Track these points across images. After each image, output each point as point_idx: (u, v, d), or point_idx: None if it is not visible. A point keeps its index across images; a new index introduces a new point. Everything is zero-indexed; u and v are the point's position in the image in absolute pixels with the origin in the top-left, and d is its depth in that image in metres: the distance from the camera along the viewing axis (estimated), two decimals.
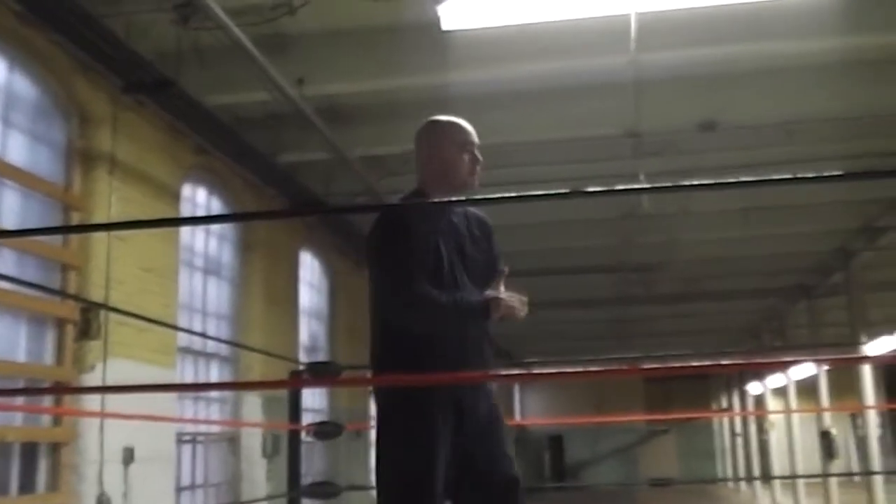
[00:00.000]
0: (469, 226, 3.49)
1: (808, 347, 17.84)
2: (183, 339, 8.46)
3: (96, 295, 6.86)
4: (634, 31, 6.84)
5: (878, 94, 8.28)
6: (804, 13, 6.89)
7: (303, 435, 9.16)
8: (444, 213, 3.46)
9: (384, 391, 3.40)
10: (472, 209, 3.59)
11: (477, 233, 3.50)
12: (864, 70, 8.11)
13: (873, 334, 17.10)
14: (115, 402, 6.78)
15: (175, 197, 8.23)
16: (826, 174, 2.46)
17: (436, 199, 3.47)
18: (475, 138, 3.51)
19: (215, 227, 9.60)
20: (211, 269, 9.47)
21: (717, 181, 5.56)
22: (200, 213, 9.16)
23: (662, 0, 6.59)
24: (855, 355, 14.89)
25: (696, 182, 7.48)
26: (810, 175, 2.40)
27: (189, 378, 8.70)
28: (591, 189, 3.02)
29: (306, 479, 10.26)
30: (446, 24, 6.79)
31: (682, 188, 3.90)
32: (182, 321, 8.54)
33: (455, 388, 3.33)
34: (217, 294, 9.60)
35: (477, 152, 3.50)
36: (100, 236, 6.97)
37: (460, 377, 3.31)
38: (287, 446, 9.32)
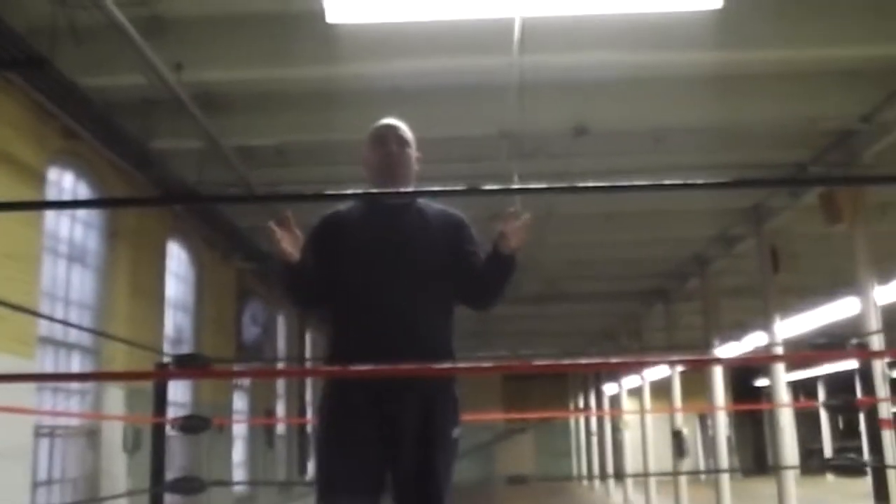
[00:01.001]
0: (421, 219, 3.48)
1: (664, 350, 18.53)
2: (44, 328, 8.15)
3: None
4: (518, 34, 6.95)
5: (742, 107, 8.66)
6: (678, 26, 7.13)
7: (167, 429, 8.97)
8: (375, 209, 3.52)
9: None
10: (440, 207, 3.60)
11: (433, 227, 3.48)
12: (730, 84, 8.47)
13: (725, 338, 17.88)
14: None
15: (40, 181, 7.91)
16: (687, 182, 2.58)
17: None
18: (385, 130, 3.60)
19: (81, 213, 9.27)
20: (75, 257, 9.14)
21: (586, 185, 5.69)
22: (66, 198, 8.82)
23: (547, 5, 6.72)
24: (706, 357, 15.50)
25: (564, 185, 7.72)
26: (674, 182, 2.51)
27: (49, 369, 8.37)
28: (460, 188, 3.08)
29: (168, 474, 10.04)
30: (331, 17, 6.73)
31: (552, 190, 3.97)
32: (43, 309, 8.22)
33: (371, 384, 3.19)
34: (81, 282, 9.27)
35: (386, 141, 3.55)
36: None
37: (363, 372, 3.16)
38: (151, 440, 9.12)
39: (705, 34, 7.24)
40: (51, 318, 8.13)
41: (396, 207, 3.52)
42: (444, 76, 8.29)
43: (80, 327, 8.84)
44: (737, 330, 19.84)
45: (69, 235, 9.02)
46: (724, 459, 16.28)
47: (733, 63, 8.10)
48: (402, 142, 3.57)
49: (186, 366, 8.04)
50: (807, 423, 33.76)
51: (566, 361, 9.96)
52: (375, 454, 3.19)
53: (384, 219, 3.46)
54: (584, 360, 13.71)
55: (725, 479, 15.72)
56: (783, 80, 8.45)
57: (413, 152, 3.62)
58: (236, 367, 13.63)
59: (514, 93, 7.96)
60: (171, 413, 10.15)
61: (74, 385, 9.08)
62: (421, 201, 3.58)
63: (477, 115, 8.73)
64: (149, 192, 9.64)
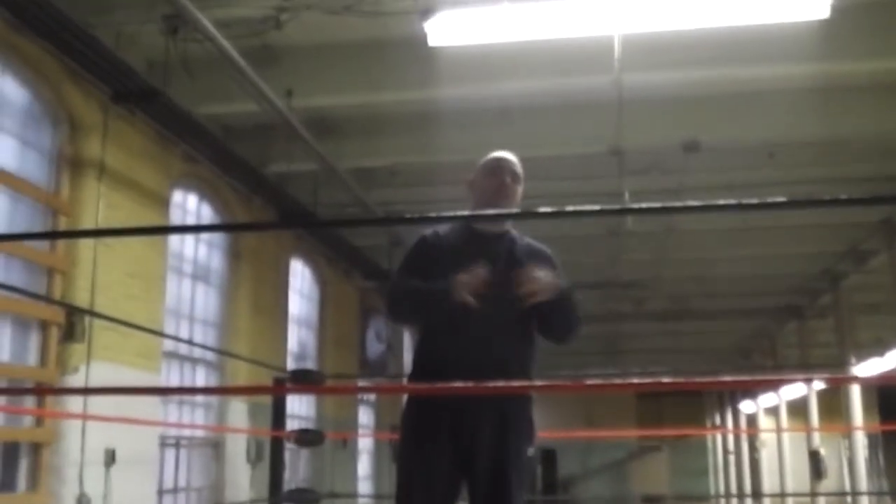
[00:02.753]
0: (511, 251, 3.56)
1: (799, 368, 17.94)
2: (168, 344, 8.55)
3: (81, 299, 6.96)
4: (618, 52, 6.95)
5: (857, 119, 8.42)
6: (786, 38, 7.01)
7: (286, 442, 9.30)
8: (472, 236, 3.60)
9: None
10: (529, 240, 3.68)
11: (522, 259, 3.50)
12: (843, 96, 8.24)
13: (862, 356, 17.19)
14: (97, 404, 6.88)
15: (164, 204, 8.34)
16: (805, 199, 2.57)
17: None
18: (502, 161, 3.65)
19: (205, 234, 9.71)
20: (199, 276, 9.58)
21: (701, 203, 5.64)
22: (191, 219, 9.26)
23: (646, 22, 6.70)
24: (843, 376, 14.96)
25: (679, 204, 7.66)
26: (792, 200, 2.47)
27: (174, 383, 8.79)
28: (576, 209, 3.07)
29: (289, 485, 10.38)
30: (433, 40, 6.89)
31: (667, 210, 4.00)
32: (169, 326, 8.64)
33: (453, 409, 3.35)
34: (205, 300, 9.70)
35: (501, 172, 3.62)
36: (87, 242, 7.07)
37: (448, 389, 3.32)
38: (270, 453, 9.48)
39: (813, 45, 7.08)
40: (172, 336, 8.53)
41: (491, 237, 3.61)
42: (549, 96, 8.37)
43: (200, 345, 9.23)
44: (876, 347, 19.03)
45: (193, 255, 9.46)
46: (863, 481, 15.64)
47: (844, 74, 7.89)
48: (515, 176, 3.65)
49: (302, 381, 8.34)
50: None
51: (691, 379, 9.81)
52: (452, 470, 3.35)
53: (478, 246, 3.53)
54: (708, 378, 13.39)
55: (866, 502, 15.11)
56: (894, 89, 8.16)
57: (520, 189, 3.68)
58: (360, 383, 13.91)
59: (618, 110, 7.95)
60: (295, 426, 10.55)
61: (199, 398, 9.49)
62: (513, 233, 3.67)
63: (583, 133, 8.75)
64: (268, 213, 10.03)
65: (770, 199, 2.51)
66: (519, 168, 3.67)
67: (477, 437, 3.33)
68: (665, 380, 7.08)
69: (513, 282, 3.36)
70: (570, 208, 3.40)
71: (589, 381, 3.35)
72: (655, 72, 7.59)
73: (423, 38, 6.83)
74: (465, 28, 6.79)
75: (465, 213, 3.75)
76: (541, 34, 6.84)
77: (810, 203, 8.07)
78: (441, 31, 6.78)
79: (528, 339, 3.54)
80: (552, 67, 7.50)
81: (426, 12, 6.61)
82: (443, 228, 3.69)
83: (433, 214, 3.42)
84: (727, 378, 14.64)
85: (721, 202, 4.17)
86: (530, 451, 3.44)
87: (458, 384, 3.22)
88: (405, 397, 3.63)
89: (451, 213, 3.63)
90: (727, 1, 6.42)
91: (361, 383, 14.23)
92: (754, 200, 2.59)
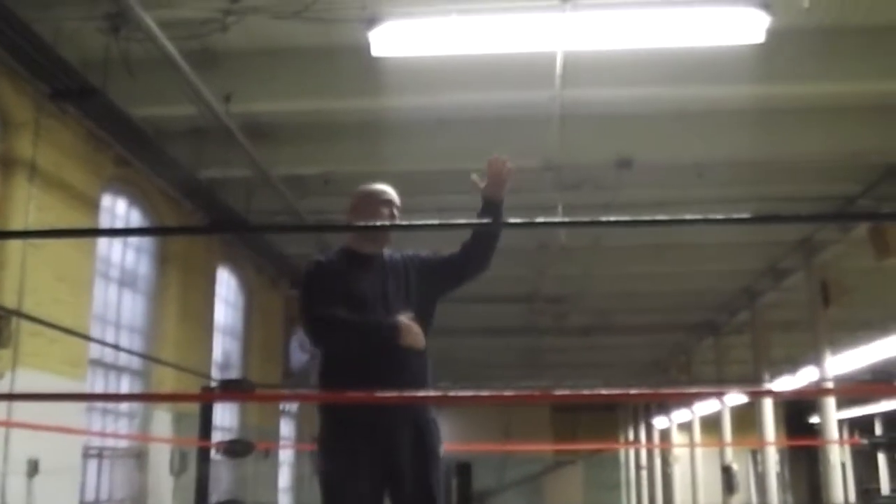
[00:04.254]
0: (388, 266, 3.86)
1: (714, 383, 18.33)
2: (95, 351, 8.35)
3: (9, 302, 6.74)
4: (560, 68, 7.04)
5: (785, 140, 8.66)
6: (722, 61, 7.19)
7: (212, 452, 9.12)
8: (357, 261, 3.86)
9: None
10: (402, 252, 3.98)
11: (402, 269, 3.87)
12: (774, 118, 8.48)
13: (775, 373, 17.65)
14: (21, 412, 6.65)
15: (94, 207, 8.14)
16: (733, 217, 2.63)
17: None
18: (384, 195, 3.95)
19: (133, 239, 9.51)
20: (126, 281, 9.37)
21: (633, 218, 5.72)
22: (119, 223, 9.06)
23: (588, 40, 6.79)
24: (756, 389, 15.33)
25: (613, 218, 7.76)
26: (718, 217, 2.54)
27: (99, 391, 8.57)
28: (513, 221, 3.24)
29: (213, 497, 10.19)
30: (376, 50, 6.89)
31: (600, 224, 4.09)
32: (95, 333, 8.42)
33: (368, 412, 3.60)
34: (132, 306, 9.49)
35: (377, 203, 3.91)
36: (15, 243, 6.86)
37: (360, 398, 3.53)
38: (196, 463, 9.28)
39: (748, 68, 7.28)
40: (101, 342, 8.33)
41: (369, 257, 3.87)
42: (488, 109, 8.41)
43: (129, 351, 9.04)
44: (788, 365, 19.57)
45: (121, 260, 9.24)
46: (773, 496, 16.03)
47: (776, 97, 8.11)
48: (396, 210, 3.93)
49: (233, 390, 8.21)
50: (863, 462, 32.99)
51: (606, 391, 9.94)
52: (375, 477, 3.58)
53: (359, 266, 3.82)
54: (623, 391, 13.59)
55: None
56: (826, 113, 8.44)
57: (398, 215, 3.96)
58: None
59: (556, 125, 8.04)
60: (218, 437, 10.35)
61: (123, 407, 9.27)
62: (387, 251, 3.94)
63: (520, 147, 8.77)
64: (198, 219, 9.87)
65: (702, 216, 2.57)
66: (394, 195, 3.96)
67: (395, 443, 3.59)
68: (579, 392, 7.18)
69: (396, 294, 3.76)
70: (512, 220, 3.59)
71: (505, 392, 3.44)
72: (594, 88, 7.71)
73: (367, 47, 6.82)
74: (409, 39, 6.81)
75: (404, 223, 3.98)
76: (485, 48, 6.89)
77: (734, 220, 8.31)
78: (385, 41, 6.79)
79: (426, 347, 3.77)
80: (494, 81, 7.55)
81: (371, 21, 6.61)
82: (326, 256, 3.95)
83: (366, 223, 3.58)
84: (642, 391, 14.87)
85: (652, 217, 4.23)
86: (441, 451, 3.75)
87: (380, 401, 3.54)
88: (318, 417, 3.82)
89: (383, 223, 3.73)
90: (667, 23, 6.57)
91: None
92: (685, 217, 2.64)
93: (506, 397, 4.21)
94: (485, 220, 3.84)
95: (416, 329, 3.62)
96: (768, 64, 7.25)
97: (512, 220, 3.57)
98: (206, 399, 7.87)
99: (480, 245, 3.85)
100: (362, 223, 3.94)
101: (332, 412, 3.69)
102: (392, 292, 3.76)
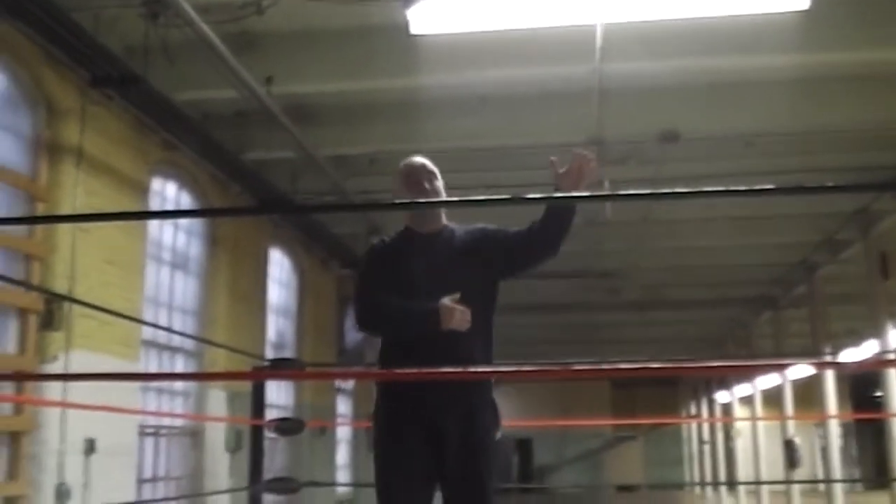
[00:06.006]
0: (451, 245, 3.79)
1: (773, 357, 18.08)
2: (147, 332, 8.50)
3: (60, 286, 6.90)
4: (600, 41, 6.97)
5: (834, 110, 8.48)
6: (765, 30, 7.05)
7: (265, 430, 9.27)
8: (417, 241, 3.82)
9: None
10: (467, 227, 3.89)
11: (463, 248, 3.77)
12: (822, 87, 8.31)
13: (836, 346, 17.37)
14: (77, 392, 6.83)
15: (142, 191, 8.28)
16: (785, 187, 2.59)
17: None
18: (415, 169, 3.88)
19: (183, 222, 9.65)
20: (178, 264, 9.53)
21: (680, 190, 5.66)
22: (169, 207, 9.21)
23: (628, 12, 6.71)
24: (816, 361, 15.10)
25: (661, 191, 7.70)
26: (773, 187, 2.48)
27: (153, 371, 8.75)
28: (548, 196, 3.20)
29: (268, 474, 10.35)
30: (415, 28, 6.88)
31: (647, 196, 4.06)
32: (147, 314, 8.59)
33: (420, 401, 3.56)
34: (183, 288, 9.66)
35: (417, 175, 3.84)
36: (65, 228, 7.01)
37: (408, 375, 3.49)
38: (249, 441, 9.45)
39: (793, 36, 7.13)
40: (151, 324, 8.48)
41: (429, 236, 3.83)
42: (529, 84, 8.38)
43: (180, 333, 9.19)
44: (849, 338, 19.23)
45: (172, 243, 9.41)
46: (836, 470, 15.82)
47: (822, 65, 7.94)
48: (432, 175, 3.87)
49: (282, 369, 8.31)
50: None
51: (668, 365, 9.83)
52: (426, 460, 3.55)
53: (420, 247, 3.79)
54: (686, 364, 13.46)
55: (838, 490, 15.26)
56: (875, 81, 8.24)
57: (440, 182, 3.89)
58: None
59: (598, 100, 7.98)
60: (273, 415, 10.52)
61: (178, 387, 9.46)
62: (451, 226, 3.88)
63: (563, 123, 8.76)
64: (245, 201, 9.99)
65: (750, 187, 2.53)
66: (432, 167, 3.89)
67: (445, 425, 3.54)
68: (642, 366, 7.14)
69: (452, 275, 3.65)
70: (555, 195, 3.53)
71: (565, 367, 3.44)
72: (636, 62, 7.61)
73: (405, 25, 6.82)
74: (447, 16, 6.78)
75: (445, 199, 3.93)
76: (523, 23, 6.86)
77: (790, 190, 8.12)
78: (423, 19, 6.78)
79: (483, 326, 3.71)
80: (533, 56, 7.50)
81: (409, 0, 6.60)
82: (388, 237, 3.94)
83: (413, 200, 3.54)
84: (703, 364, 14.73)
85: (702, 189, 4.19)
86: (498, 436, 3.67)
87: (430, 377, 3.44)
88: (375, 396, 3.79)
89: (429, 199, 3.72)
90: None
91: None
92: (735, 188, 2.61)
93: (566, 372, 4.20)
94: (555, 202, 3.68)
95: (459, 312, 3.50)
96: (814, 31, 7.09)
97: (549, 195, 3.55)
98: (257, 377, 7.97)
99: (550, 229, 3.65)
100: (410, 201, 3.87)
101: (384, 391, 3.70)
102: (447, 273, 3.66)
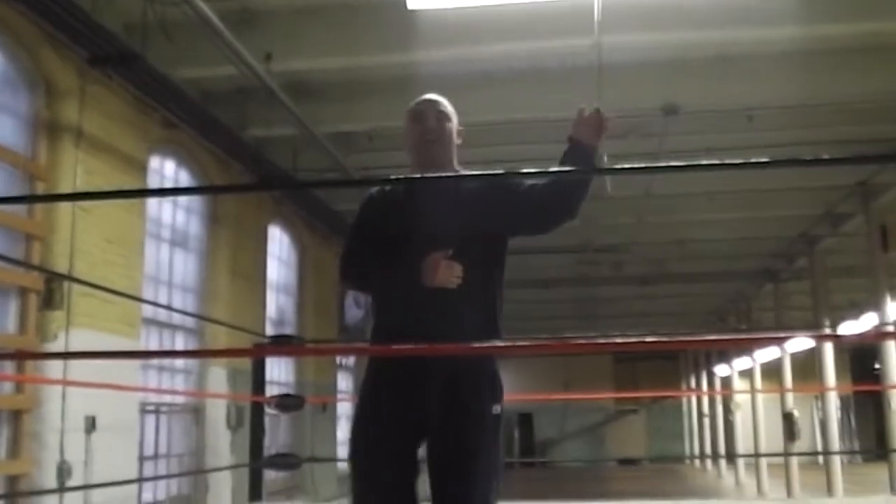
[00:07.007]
0: (459, 192, 3.37)
1: (774, 330, 18.13)
2: (147, 310, 8.51)
3: (60, 265, 6.91)
4: (598, 15, 6.93)
5: (835, 82, 8.44)
6: (765, 1, 7.02)
7: (266, 407, 9.31)
8: (419, 188, 3.49)
9: None
10: (467, 181, 3.50)
11: (471, 197, 3.33)
12: (822, 58, 8.25)
13: (837, 319, 17.41)
14: (77, 370, 6.85)
15: (142, 169, 8.26)
16: (786, 160, 2.56)
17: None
18: (422, 105, 3.52)
19: (183, 200, 9.64)
20: (178, 242, 9.53)
21: (680, 164, 5.64)
22: (168, 185, 9.20)
23: None
24: (816, 334, 15.15)
25: (661, 164, 7.70)
26: (773, 160, 2.46)
27: (154, 349, 8.77)
28: (549, 170, 3.02)
29: (270, 450, 10.42)
30: (413, 3, 6.87)
31: (649, 170, 4.01)
32: (148, 293, 8.60)
33: (399, 366, 3.18)
34: (184, 266, 9.66)
35: (423, 116, 3.48)
36: (65, 207, 7.01)
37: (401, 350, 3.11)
38: (250, 418, 9.50)
39: (793, 8, 7.10)
40: (151, 302, 8.49)
41: (434, 184, 3.49)
42: (528, 59, 8.34)
43: (180, 311, 9.21)
44: (850, 311, 19.27)
45: (172, 221, 9.40)
46: (835, 443, 15.88)
47: (823, 37, 7.89)
48: (441, 115, 3.49)
49: (282, 345, 8.34)
50: None
51: (668, 339, 9.80)
52: (405, 434, 3.17)
53: (422, 197, 3.42)
54: (685, 338, 13.46)
55: (837, 462, 15.33)
56: (877, 52, 8.19)
57: (454, 126, 3.52)
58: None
59: (598, 73, 7.93)
60: (274, 392, 10.56)
61: (178, 364, 9.48)
62: (459, 169, 3.52)
63: (563, 97, 8.70)
64: (246, 178, 9.98)
65: (751, 160, 2.50)
66: (444, 105, 3.52)
67: (426, 399, 3.14)
68: (642, 339, 7.14)
69: (460, 225, 3.25)
70: (553, 169, 3.42)
71: (563, 342, 3.28)
72: (635, 34, 7.57)
73: (402, 1, 6.80)
74: None
75: (456, 173, 3.52)
76: None
77: (791, 163, 8.17)
78: None
79: (489, 287, 3.32)
80: (532, 31, 7.46)
81: None
82: (386, 187, 3.60)
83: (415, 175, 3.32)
84: (704, 337, 14.76)
85: (702, 162, 4.18)
86: (496, 409, 3.21)
87: (428, 352, 3.08)
88: (366, 365, 3.44)
89: (432, 174, 3.46)
90: None
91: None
92: (736, 160, 2.59)
93: (566, 346, 4.05)
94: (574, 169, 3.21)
95: (444, 267, 3.10)
96: (814, 2, 7.07)
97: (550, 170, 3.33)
98: (256, 354, 8.02)
99: (566, 188, 3.25)
100: (414, 150, 3.49)
101: (370, 361, 3.38)
102: (447, 223, 3.26)
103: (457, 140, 3.55)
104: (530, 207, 3.31)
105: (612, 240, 14.72)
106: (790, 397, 18.90)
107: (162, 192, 9.41)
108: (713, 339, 15.70)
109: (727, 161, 2.73)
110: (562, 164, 3.22)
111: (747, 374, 23.96)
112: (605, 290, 19.27)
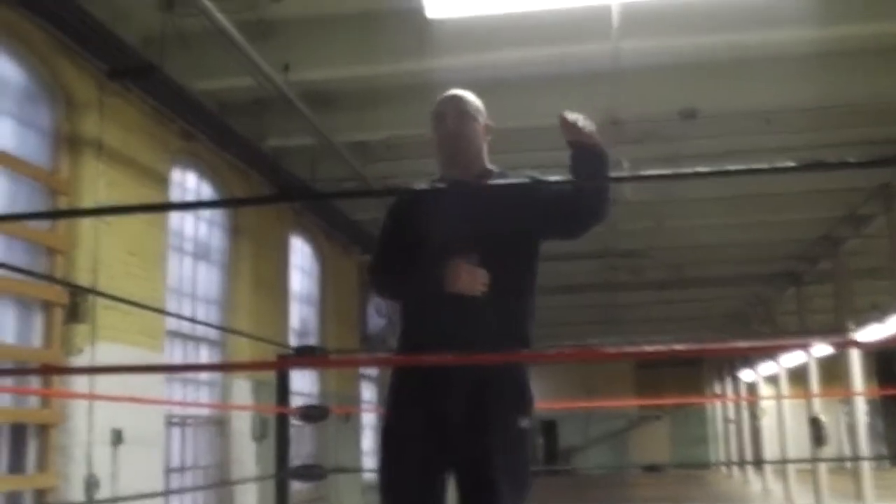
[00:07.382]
0: (488, 195, 3.31)
1: (797, 334, 17.98)
2: (171, 323, 8.55)
3: (83, 279, 6.95)
4: (616, 20, 6.93)
5: (854, 84, 8.40)
6: (782, 4, 6.99)
7: (291, 418, 9.31)
8: (448, 194, 3.37)
9: None
10: (510, 173, 3.44)
11: (500, 199, 3.26)
12: (840, 60, 8.22)
13: (861, 321, 17.23)
14: (103, 384, 6.88)
15: (162, 181, 8.32)
16: (806, 163, 2.49)
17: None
18: (443, 105, 3.43)
19: (205, 212, 9.69)
20: (200, 254, 9.57)
21: (700, 170, 5.60)
22: (190, 197, 9.23)
23: None
24: (842, 340, 15.00)
25: (682, 171, 7.66)
26: (794, 165, 2.38)
27: (178, 362, 8.80)
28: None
29: (295, 461, 10.40)
30: (430, 12, 6.88)
31: (667, 177, 3.97)
32: (171, 305, 8.64)
33: (430, 376, 3.08)
34: (206, 278, 9.70)
35: (444, 116, 3.39)
36: (87, 221, 7.05)
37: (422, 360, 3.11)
38: (275, 429, 9.49)
39: (810, 10, 7.06)
40: (174, 315, 8.52)
41: (465, 190, 3.38)
42: (546, 65, 8.32)
43: (203, 323, 9.24)
44: (875, 313, 19.09)
45: (194, 233, 9.44)
46: (863, 447, 15.72)
47: (840, 38, 7.85)
48: (463, 113, 3.39)
49: (306, 357, 8.33)
50: None
51: (692, 346, 9.69)
52: (428, 445, 3.08)
53: (449, 200, 3.31)
54: (710, 345, 13.42)
55: (866, 467, 15.18)
56: (892, 53, 8.14)
57: (479, 123, 3.43)
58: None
59: (615, 79, 7.93)
60: (298, 403, 10.56)
61: (203, 376, 9.52)
62: (495, 171, 3.44)
63: (581, 103, 8.65)
64: (266, 189, 10.01)
65: (771, 165, 2.46)
66: (467, 103, 3.42)
67: (447, 410, 3.06)
68: (668, 347, 7.10)
69: (488, 229, 3.16)
70: (571, 178, 3.35)
71: (587, 350, 3.19)
72: (652, 39, 7.57)
73: (420, 9, 6.82)
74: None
75: (485, 172, 3.41)
76: (538, 4, 6.83)
77: (812, 167, 8.05)
78: (438, 2, 6.77)
79: (519, 294, 3.25)
80: (549, 37, 7.45)
81: None
82: (417, 191, 3.53)
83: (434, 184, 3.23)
84: (730, 345, 14.68)
85: (722, 168, 4.17)
86: (524, 423, 3.11)
87: (459, 362, 2.99)
88: (391, 374, 3.36)
89: (456, 180, 3.34)
90: None
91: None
92: (758, 165, 2.56)
93: (593, 353, 3.90)
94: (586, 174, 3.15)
95: (466, 274, 3.03)
96: (831, 4, 7.03)
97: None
98: (280, 366, 8.00)
99: (591, 193, 3.20)
100: (439, 151, 3.38)
101: (394, 369, 3.33)
102: (473, 227, 3.15)
103: (485, 136, 3.47)
104: (559, 212, 3.23)
105: (633, 245, 14.66)
106: (816, 402, 18.74)
107: (184, 206, 9.45)
108: (739, 346, 15.62)
109: (753, 166, 2.72)
110: (573, 169, 3.17)
111: (772, 379, 23.80)
112: (627, 296, 19.17)
